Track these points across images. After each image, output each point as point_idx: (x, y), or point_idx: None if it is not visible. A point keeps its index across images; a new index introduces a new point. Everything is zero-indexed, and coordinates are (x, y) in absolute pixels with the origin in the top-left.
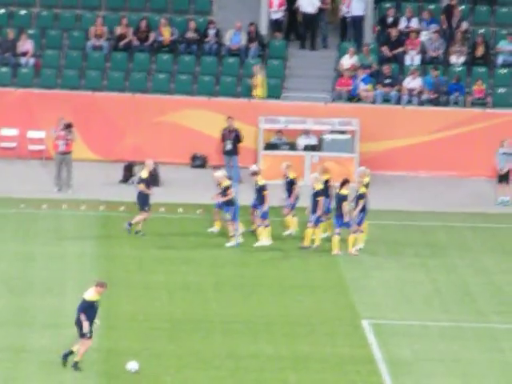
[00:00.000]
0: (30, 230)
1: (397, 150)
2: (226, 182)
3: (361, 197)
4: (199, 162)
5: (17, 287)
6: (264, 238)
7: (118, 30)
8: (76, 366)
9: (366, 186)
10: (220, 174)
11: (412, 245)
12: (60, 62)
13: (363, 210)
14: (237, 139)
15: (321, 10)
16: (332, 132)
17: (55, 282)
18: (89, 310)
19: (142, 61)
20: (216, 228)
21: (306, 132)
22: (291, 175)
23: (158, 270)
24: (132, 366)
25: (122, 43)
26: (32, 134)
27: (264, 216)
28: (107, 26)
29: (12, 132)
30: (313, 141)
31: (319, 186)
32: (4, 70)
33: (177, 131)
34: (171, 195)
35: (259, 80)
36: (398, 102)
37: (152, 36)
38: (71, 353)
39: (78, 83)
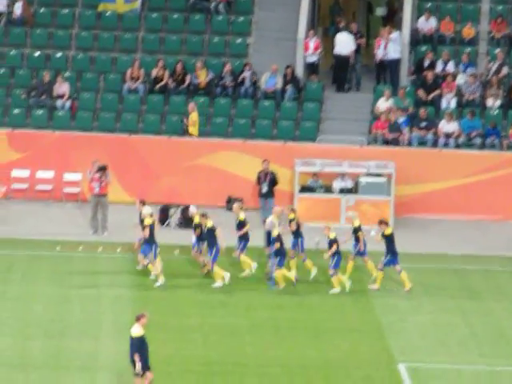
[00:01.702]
0: (65, 273)
1: (432, 193)
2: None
3: (334, 241)
4: None
5: (52, 330)
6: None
7: (154, 73)
8: None
9: (355, 230)
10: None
11: (448, 288)
12: (96, 105)
13: (338, 253)
14: (272, 182)
15: (355, 53)
16: (368, 175)
17: (91, 325)
18: (140, 346)
19: (177, 103)
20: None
21: (342, 175)
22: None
23: (193, 313)
24: None
25: (157, 86)
26: (68, 176)
27: (215, 258)
28: (143, 68)
29: (48, 174)
30: (348, 184)
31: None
32: (40, 112)
33: (212, 174)
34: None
35: (192, 118)
36: (434, 145)
37: (188, 78)
38: None
39: (113, 126)
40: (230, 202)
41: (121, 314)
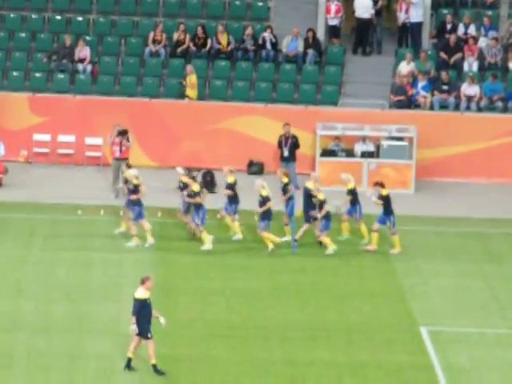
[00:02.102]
0: (87, 237)
1: (454, 156)
2: (136, 181)
3: (325, 202)
4: (256, 168)
5: (74, 294)
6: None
7: (175, 37)
8: (156, 368)
9: (350, 191)
10: (132, 172)
11: (470, 252)
12: (117, 69)
13: (327, 216)
14: (294, 146)
15: (376, 16)
16: (389, 138)
17: (112, 289)
18: (143, 309)
19: (199, 67)
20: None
21: (363, 139)
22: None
23: (215, 277)
24: None
25: (179, 50)
26: (89, 140)
27: (203, 221)
28: (164, 32)
29: (69, 138)
30: (370, 147)
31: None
32: (61, 76)
33: (233, 138)
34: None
35: (191, 81)
36: (456, 108)
37: (209, 42)
38: (130, 360)
39: (134, 90)
40: (251, 165)
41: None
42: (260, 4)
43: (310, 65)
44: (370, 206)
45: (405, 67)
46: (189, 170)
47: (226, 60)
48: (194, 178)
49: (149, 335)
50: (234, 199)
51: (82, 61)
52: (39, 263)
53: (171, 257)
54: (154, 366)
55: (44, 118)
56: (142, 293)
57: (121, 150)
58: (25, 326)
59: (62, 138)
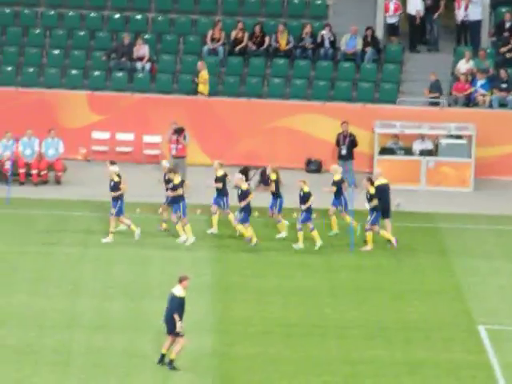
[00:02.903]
0: (145, 234)
1: None
2: (116, 178)
3: (309, 195)
4: (314, 166)
5: (133, 291)
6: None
7: (234, 35)
8: (171, 364)
9: (336, 183)
10: (113, 169)
11: None
12: (176, 67)
13: (309, 209)
14: (352, 144)
15: (428, 13)
16: (448, 137)
17: (170, 287)
18: (180, 307)
19: (257, 65)
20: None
21: (422, 137)
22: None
23: (272, 275)
24: None
25: (237, 48)
26: (148, 138)
27: (184, 214)
28: (223, 30)
29: (128, 137)
30: (429, 146)
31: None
32: (120, 74)
33: (291, 136)
34: (286, 200)
35: (203, 77)
36: None
37: (267, 40)
38: (163, 356)
39: (189, 89)
40: (309, 164)
41: (200, 275)
42: (319, 2)
43: (368, 63)
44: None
45: (464, 65)
46: (246, 169)
47: (285, 58)
48: (174, 171)
49: (182, 333)
50: (222, 192)
51: (140, 59)
52: (97, 261)
53: (228, 255)
54: (171, 361)
55: (103, 116)
56: (180, 291)
57: (177, 148)
58: (83, 323)
59: (120, 136)
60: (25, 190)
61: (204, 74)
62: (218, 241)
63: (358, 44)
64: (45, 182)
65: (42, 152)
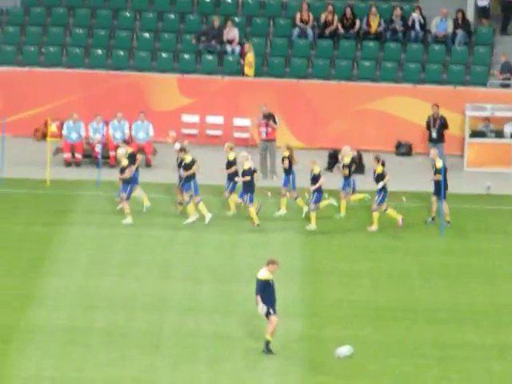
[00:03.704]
0: (234, 217)
1: None
2: (125, 162)
3: (319, 176)
4: (404, 149)
5: (222, 274)
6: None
7: (323, 17)
8: (267, 345)
9: (348, 165)
10: (121, 152)
11: None
12: (265, 50)
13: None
14: (442, 127)
15: None
16: None
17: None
18: (266, 289)
19: (347, 48)
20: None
21: None
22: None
23: (362, 258)
24: (342, 351)
25: (327, 30)
26: (237, 121)
27: (196, 192)
28: (312, 13)
29: (218, 120)
30: None
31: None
32: (210, 58)
33: (381, 119)
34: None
35: (250, 59)
36: None
37: (357, 23)
38: (267, 342)
39: (283, 71)
40: (399, 147)
41: (290, 258)
42: None
43: (459, 45)
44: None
45: None
46: (336, 152)
47: (375, 41)
48: (184, 150)
49: (271, 311)
50: (232, 176)
51: (230, 42)
52: (187, 244)
53: (318, 238)
54: (267, 343)
55: (192, 99)
56: (264, 273)
57: (267, 132)
58: (173, 306)
59: (210, 119)
60: (115, 172)
61: (250, 57)
62: (306, 224)
63: (449, 26)
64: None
65: (132, 135)
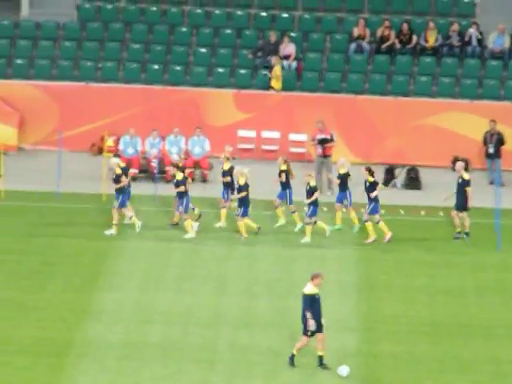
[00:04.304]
0: (291, 232)
1: None
2: (118, 170)
3: (315, 189)
4: None
5: (277, 289)
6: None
7: (379, 33)
8: (321, 361)
9: (342, 177)
10: (114, 160)
11: None
12: (322, 65)
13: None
14: (499, 142)
15: None
16: None
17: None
18: (311, 304)
19: (404, 63)
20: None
21: None
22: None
23: (418, 274)
24: (342, 371)
25: (384, 46)
26: (293, 136)
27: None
28: (369, 28)
29: (274, 135)
30: None
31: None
32: (266, 73)
33: (438, 134)
34: (432, 199)
35: (277, 72)
36: None
37: (414, 38)
38: (320, 358)
39: (339, 86)
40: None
41: (345, 273)
42: (466, 0)
43: None
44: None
45: None
46: (392, 167)
47: (432, 56)
48: (178, 167)
49: (320, 329)
50: (229, 186)
51: (286, 57)
52: (243, 258)
53: (373, 254)
54: (321, 359)
55: (249, 114)
56: (310, 288)
57: (323, 148)
58: (228, 321)
59: (266, 134)
60: (171, 188)
61: (277, 70)
62: (363, 238)
63: (506, 42)
64: (191, 180)
65: (189, 150)
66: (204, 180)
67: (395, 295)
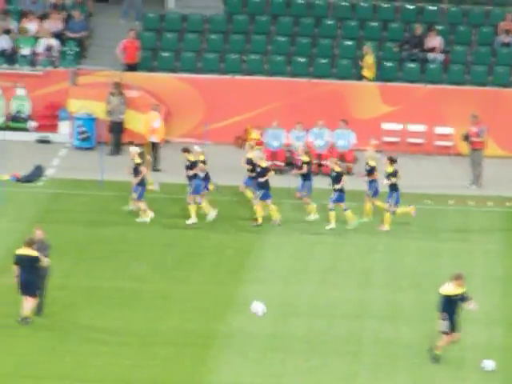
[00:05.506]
0: (435, 226)
1: None
2: (138, 160)
3: (342, 174)
4: None
5: (422, 283)
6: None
7: None
8: (434, 357)
9: (372, 169)
10: (135, 149)
11: None
12: (468, 58)
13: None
14: None
15: None
16: None
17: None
18: (448, 305)
19: None
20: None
21: None
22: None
23: None
24: (487, 365)
25: None
26: (439, 129)
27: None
28: None
29: (419, 128)
30: None
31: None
32: (412, 65)
33: None
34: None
35: (368, 61)
36: None
37: None
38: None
39: (486, 79)
40: None
41: (491, 267)
42: None
43: None
44: None
45: None
46: None
47: None
48: (188, 151)
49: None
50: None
51: (432, 50)
52: (387, 252)
53: None
54: (435, 355)
55: (394, 107)
56: (448, 288)
57: (475, 141)
58: (373, 314)
59: (411, 127)
60: (316, 180)
61: (368, 59)
62: (510, 233)
63: None
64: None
65: (334, 143)
66: (349, 173)
67: None
